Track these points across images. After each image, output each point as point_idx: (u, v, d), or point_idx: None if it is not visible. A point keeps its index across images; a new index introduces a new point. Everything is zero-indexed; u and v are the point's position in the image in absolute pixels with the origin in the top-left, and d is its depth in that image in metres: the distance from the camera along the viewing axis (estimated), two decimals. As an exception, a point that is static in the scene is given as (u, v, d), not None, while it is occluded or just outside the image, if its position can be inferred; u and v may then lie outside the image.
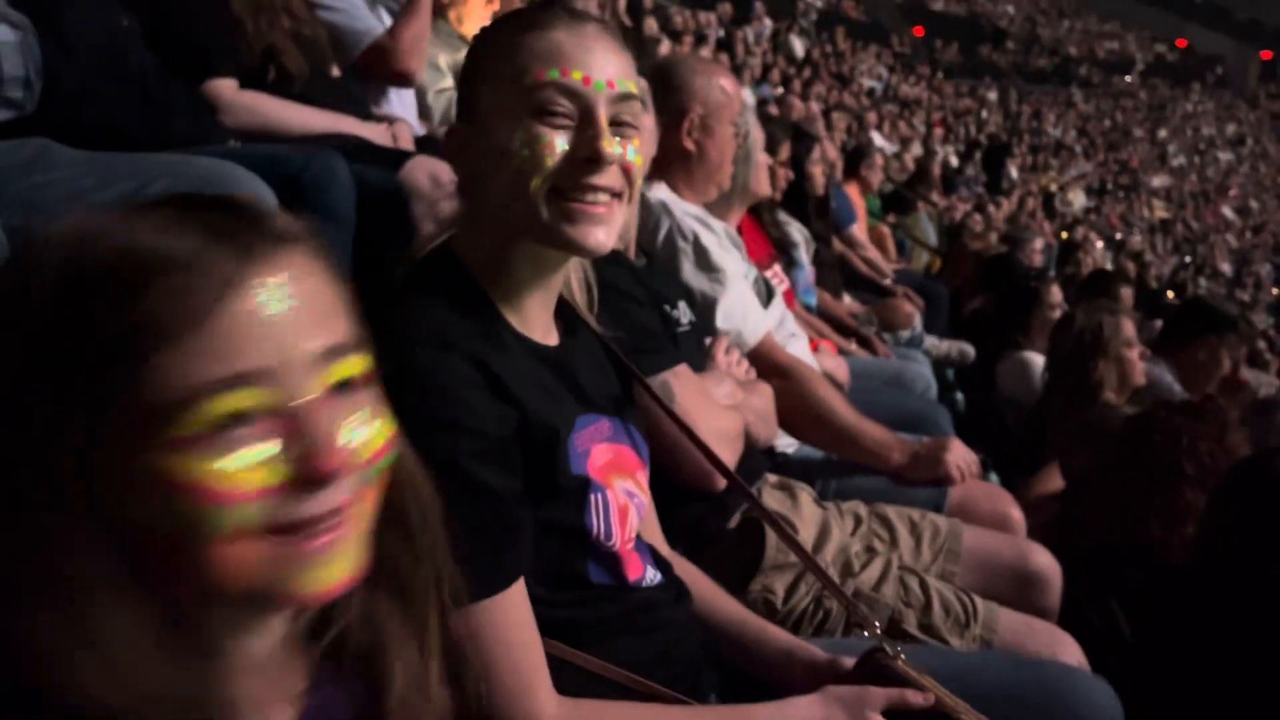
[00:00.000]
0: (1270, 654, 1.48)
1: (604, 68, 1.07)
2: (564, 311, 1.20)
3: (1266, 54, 31.34)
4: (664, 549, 1.33)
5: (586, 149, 1.05)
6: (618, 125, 1.07)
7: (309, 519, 0.63)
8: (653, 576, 1.22)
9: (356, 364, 0.66)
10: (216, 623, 0.66)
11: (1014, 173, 14.89)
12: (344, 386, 0.65)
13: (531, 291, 1.13)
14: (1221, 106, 29.25)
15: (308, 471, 0.62)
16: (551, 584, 1.09)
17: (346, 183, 1.74)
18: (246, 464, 0.61)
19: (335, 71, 2.57)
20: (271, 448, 0.62)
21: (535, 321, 1.14)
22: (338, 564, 0.65)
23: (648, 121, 1.85)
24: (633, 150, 1.08)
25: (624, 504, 1.16)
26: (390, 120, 2.63)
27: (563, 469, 1.09)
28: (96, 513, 0.60)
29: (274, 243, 0.64)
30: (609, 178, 1.06)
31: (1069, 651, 1.57)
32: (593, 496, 1.12)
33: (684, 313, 1.78)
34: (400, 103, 2.91)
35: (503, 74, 1.07)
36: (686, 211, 2.15)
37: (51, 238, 0.62)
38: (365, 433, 0.66)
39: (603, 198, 1.06)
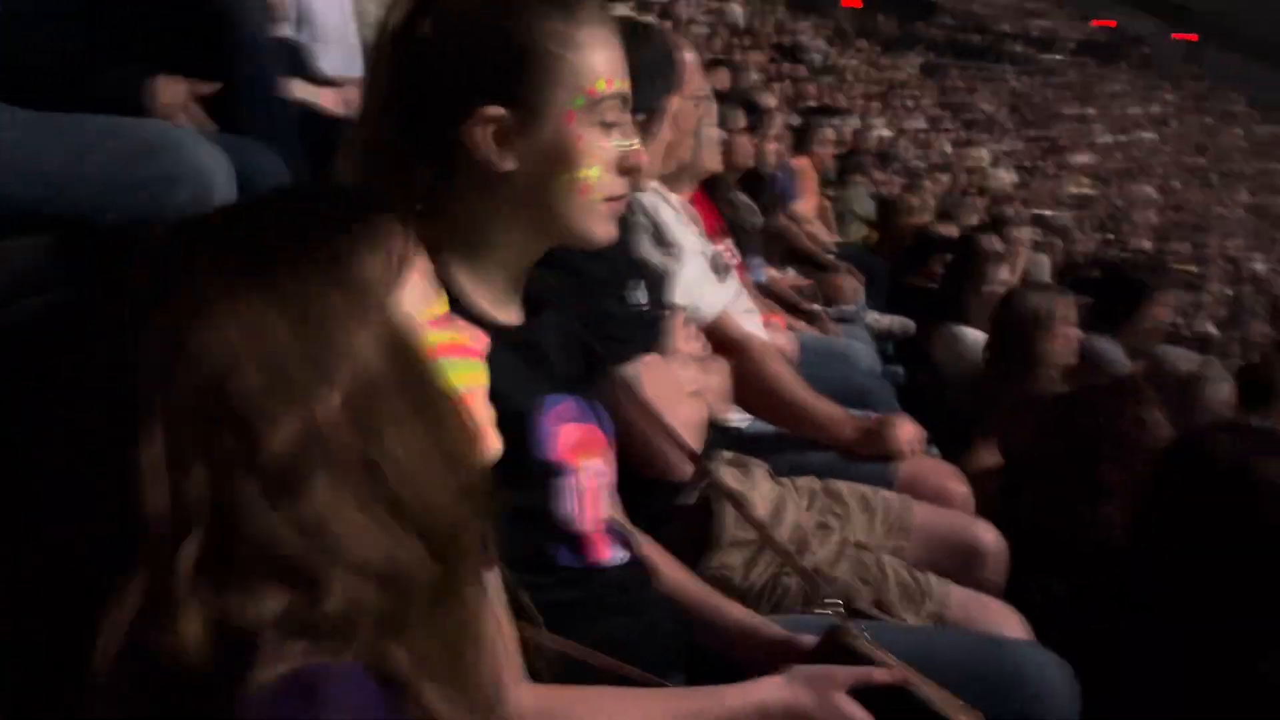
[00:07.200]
0: (1207, 636, 1.54)
1: (627, 72, 1.12)
2: (529, 290, 1.20)
3: (1191, 36, 32.20)
4: (624, 522, 1.34)
5: (633, 161, 1.11)
6: None
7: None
8: (620, 556, 1.22)
9: None
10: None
11: (947, 148, 15.10)
12: None
13: (511, 274, 1.15)
14: (1147, 87, 29.93)
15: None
16: (518, 567, 1.08)
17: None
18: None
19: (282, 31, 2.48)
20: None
21: (503, 302, 1.15)
22: None
23: None
24: None
25: (593, 484, 1.16)
26: (335, 83, 2.55)
27: (531, 451, 1.09)
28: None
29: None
30: None
31: (1015, 628, 1.61)
32: (561, 479, 1.12)
33: (641, 293, 1.77)
34: (347, 60, 2.78)
35: (564, 73, 1.08)
36: (645, 185, 2.14)
37: None
38: None
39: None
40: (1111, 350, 3.59)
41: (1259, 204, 23.67)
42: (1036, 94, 26.17)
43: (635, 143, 1.11)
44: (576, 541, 1.16)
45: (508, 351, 1.10)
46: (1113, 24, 31.79)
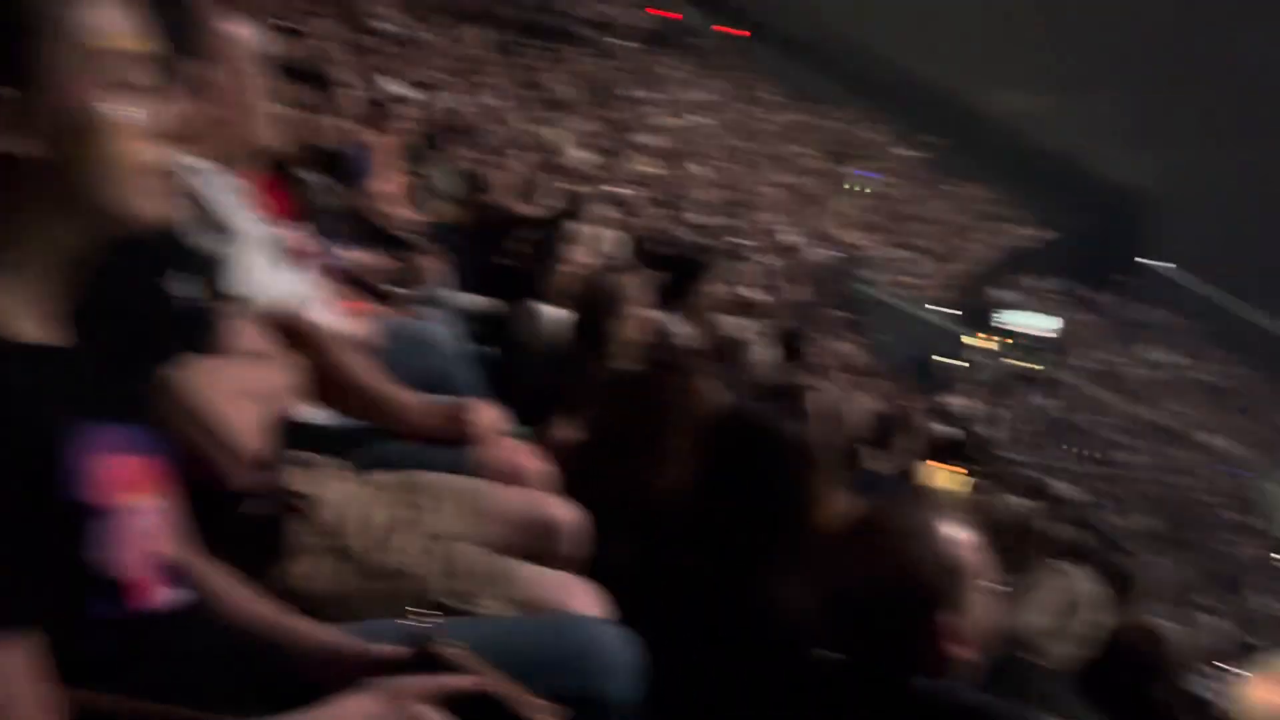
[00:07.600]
0: (755, 591, 1.71)
1: (149, 30, 1.02)
2: (75, 302, 1.05)
3: (744, 32, 36.05)
4: (184, 556, 1.21)
5: (167, 127, 1.01)
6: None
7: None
8: (170, 596, 1.10)
9: None
10: None
11: (527, 126, 15.49)
12: None
13: (54, 279, 1.00)
14: (702, 75, 32.80)
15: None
16: (49, 623, 0.94)
17: None
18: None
19: None
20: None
21: (47, 313, 1.00)
22: None
23: None
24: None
25: (144, 524, 1.04)
26: None
27: (57, 493, 0.95)
28: None
29: None
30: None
31: (592, 601, 1.68)
32: (98, 521, 0.98)
33: (193, 285, 1.61)
34: None
35: (65, 34, 0.95)
36: (191, 166, 1.94)
37: None
38: None
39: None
40: (676, 323, 3.88)
41: (793, 183, 27.09)
42: (606, 77, 27.69)
43: (167, 107, 1.00)
44: (118, 589, 1.02)
45: (36, 375, 0.96)
46: (677, 16, 34.61)
